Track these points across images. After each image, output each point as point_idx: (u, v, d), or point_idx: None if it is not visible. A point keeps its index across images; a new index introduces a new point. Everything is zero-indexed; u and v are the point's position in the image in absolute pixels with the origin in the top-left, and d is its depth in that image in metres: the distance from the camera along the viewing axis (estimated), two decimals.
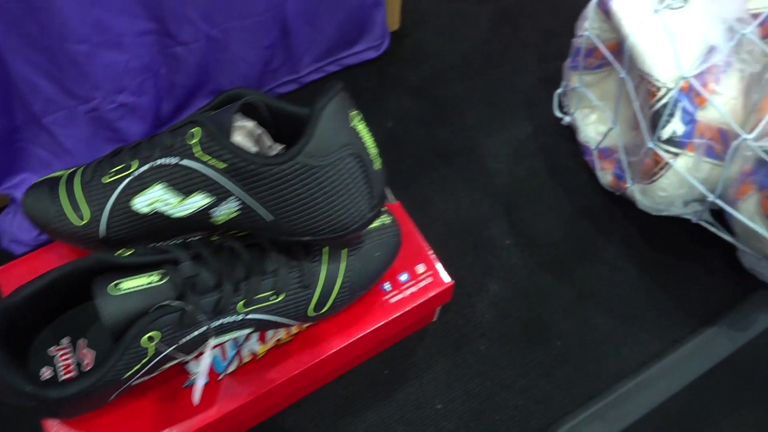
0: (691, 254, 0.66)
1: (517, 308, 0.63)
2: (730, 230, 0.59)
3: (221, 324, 0.42)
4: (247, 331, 0.44)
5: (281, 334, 0.49)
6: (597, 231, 0.68)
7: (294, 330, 0.50)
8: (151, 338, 0.39)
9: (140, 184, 0.42)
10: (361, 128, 0.40)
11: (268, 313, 0.44)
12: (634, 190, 0.61)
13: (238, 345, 0.49)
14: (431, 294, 0.52)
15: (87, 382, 0.39)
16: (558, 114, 0.73)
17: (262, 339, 0.49)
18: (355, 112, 0.40)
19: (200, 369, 0.42)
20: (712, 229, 0.60)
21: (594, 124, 0.69)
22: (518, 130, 0.74)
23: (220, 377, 0.48)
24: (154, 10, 0.56)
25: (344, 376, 0.58)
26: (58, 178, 0.48)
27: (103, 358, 0.39)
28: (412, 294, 0.52)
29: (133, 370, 0.40)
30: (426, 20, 0.83)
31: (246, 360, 0.48)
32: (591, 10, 0.61)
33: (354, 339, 0.50)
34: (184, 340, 0.40)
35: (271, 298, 0.43)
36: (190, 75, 0.64)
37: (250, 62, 0.67)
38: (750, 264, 0.61)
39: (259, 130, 0.44)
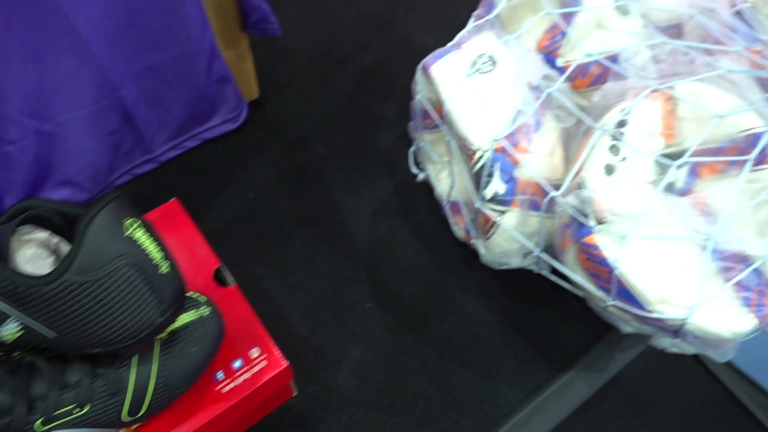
0: (548, 301, 0.67)
1: (379, 372, 0.63)
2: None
3: None
4: None
5: None
6: (457, 285, 0.68)
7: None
8: None
9: None
10: (140, 235, 0.40)
11: (74, 427, 0.43)
12: (477, 244, 0.63)
13: None
14: (266, 378, 0.51)
15: None
16: (414, 170, 0.74)
17: None
18: (131, 220, 0.40)
19: None
20: (553, 278, 0.61)
21: (445, 179, 0.70)
22: (379, 188, 0.75)
23: None
24: None
25: None
26: None
27: None
28: (245, 381, 0.51)
29: None
30: (288, 85, 0.84)
31: None
32: (418, 73, 0.63)
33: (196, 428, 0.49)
34: None
35: (74, 412, 0.42)
36: (29, 170, 0.63)
37: (95, 150, 0.67)
38: (596, 308, 0.62)
39: (56, 239, 0.44)
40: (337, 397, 0.61)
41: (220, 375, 0.51)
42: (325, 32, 0.88)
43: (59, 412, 0.42)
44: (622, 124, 0.52)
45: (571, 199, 0.51)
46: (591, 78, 0.63)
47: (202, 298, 0.50)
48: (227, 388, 0.51)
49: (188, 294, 0.49)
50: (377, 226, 0.72)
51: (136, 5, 0.58)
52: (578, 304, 0.66)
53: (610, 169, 0.52)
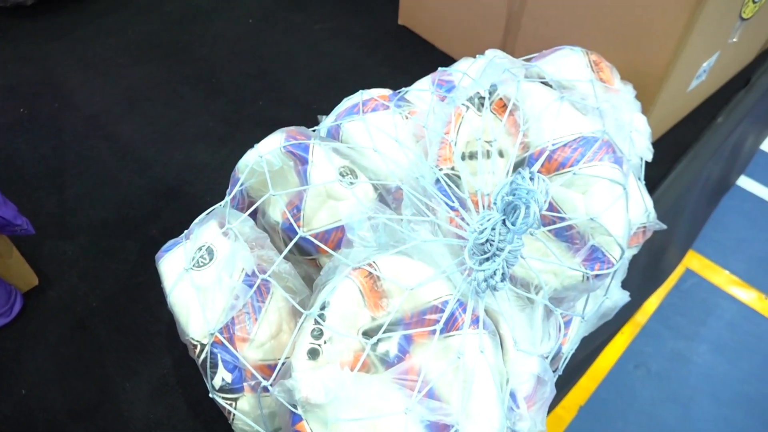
0: None
1: None
2: None
3: None
4: None
5: None
6: None
7: None
8: None
9: None
10: None
11: None
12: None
13: None
14: None
15: None
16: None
17: None
18: None
19: None
20: None
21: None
22: (158, 366, 0.75)
23: None
24: None
25: None
26: None
27: None
28: None
29: None
30: (73, 265, 0.83)
31: None
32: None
33: None
34: None
35: None
36: None
37: None
38: None
39: None
40: None
41: None
42: (114, 206, 0.90)
43: None
44: (323, 306, 0.55)
45: (279, 388, 0.52)
46: (333, 243, 0.67)
47: None
48: None
49: None
50: (155, 407, 0.71)
51: None
52: None
53: (314, 353, 0.54)
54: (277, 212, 0.69)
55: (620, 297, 0.70)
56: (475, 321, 0.54)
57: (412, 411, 0.51)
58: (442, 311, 0.54)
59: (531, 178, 0.48)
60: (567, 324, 0.69)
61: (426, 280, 0.55)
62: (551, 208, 0.62)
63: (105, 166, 0.95)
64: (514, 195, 0.49)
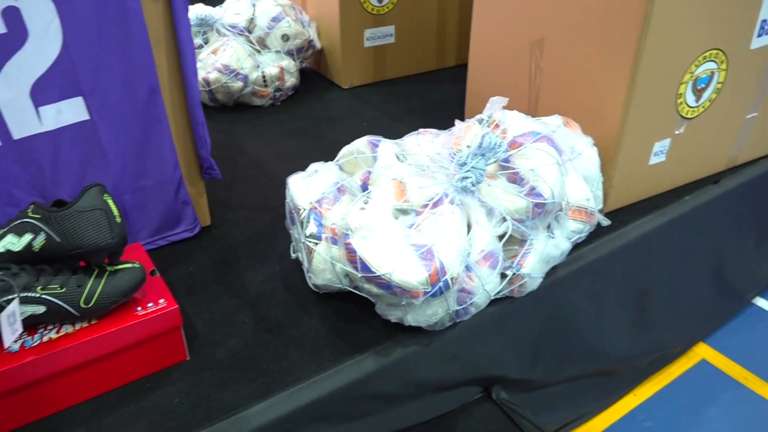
0: (360, 320, 1.06)
1: (244, 352, 1.00)
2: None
3: (26, 295, 0.81)
4: (42, 307, 0.83)
5: (69, 329, 0.87)
6: (305, 312, 1.08)
7: (77, 327, 0.87)
8: None
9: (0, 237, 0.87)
10: (110, 202, 0.87)
11: (55, 297, 0.83)
12: (311, 276, 1.05)
13: (42, 336, 0.86)
14: (164, 312, 0.91)
15: None
16: (292, 256, 1.19)
17: (58, 332, 0.87)
18: (107, 195, 0.88)
19: (2, 316, 0.79)
20: (355, 291, 1.02)
21: (302, 255, 1.15)
22: (270, 269, 1.19)
23: (27, 347, 0.84)
24: (41, 191, 1.07)
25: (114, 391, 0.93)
26: None
27: None
28: (152, 311, 0.91)
29: None
30: (229, 221, 1.34)
31: (45, 340, 0.85)
32: (287, 187, 1.13)
33: (110, 331, 0.87)
34: (2, 299, 0.80)
35: (57, 289, 0.84)
36: None
37: None
38: (380, 311, 1.01)
39: None
40: (212, 362, 0.98)
41: (138, 308, 0.91)
42: (260, 197, 1.43)
43: (50, 286, 0.83)
44: (370, 192, 1.00)
45: (341, 222, 0.97)
46: None
47: (138, 263, 0.93)
48: (141, 313, 0.90)
49: (131, 261, 0.93)
50: (264, 284, 1.15)
51: (140, 146, 1.12)
52: (380, 322, 1.05)
53: (362, 209, 0.98)
54: (357, 177, 1.17)
55: (566, 246, 1.08)
56: (452, 202, 0.97)
57: (408, 237, 0.93)
58: (433, 198, 0.98)
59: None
60: (525, 256, 1.06)
61: (428, 185, 0.99)
62: (509, 168, 1.05)
63: (257, 180, 1.50)
64: (483, 139, 0.95)
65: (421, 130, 1.26)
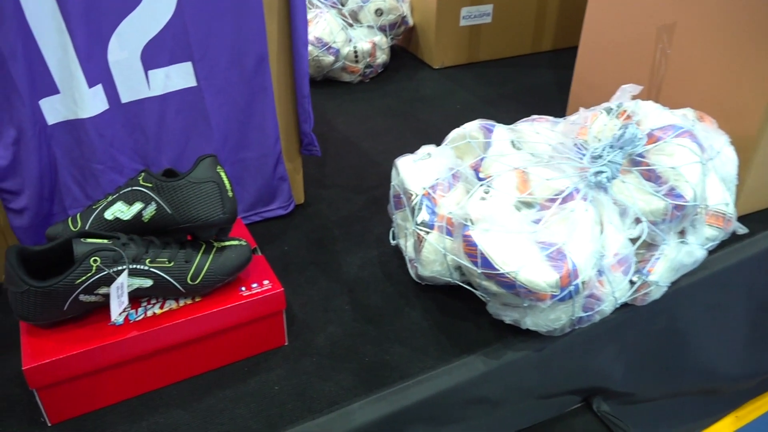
0: (466, 317, 0.99)
1: (344, 341, 0.94)
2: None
3: (135, 267, 0.77)
4: (149, 281, 0.79)
5: (173, 305, 0.83)
6: (406, 303, 1.02)
7: (181, 303, 0.83)
8: (95, 260, 0.75)
9: (109, 204, 0.83)
10: (223, 175, 0.82)
11: (162, 271, 0.79)
12: (418, 266, 0.98)
13: (146, 310, 0.82)
14: (269, 294, 0.86)
15: (57, 280, 0.74)
16: (392, 242, 1.12)
17: (161, 307, 0.83)
18: (220, 167, 0.83)
19: (112, 287, 0.76)
20: (465, 286, 0.94)
21: (406, 243, 1.08)
22: (367, 253, 1.13)
23: (132, 321, 0.80)
24: (143, 158, 1.03)
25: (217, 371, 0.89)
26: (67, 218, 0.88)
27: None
28: (257, 293, 0.86)
29: (81, 279, 0.75)
30: (322, 200, 1.29)
31: (149, 315, 0.82)
32: (393, 170, 1.06)
33: (214, 311, 0.83)
34: (112, 269, 0.76)
35: (165, 263, 0.80)
36: None
37: None
38: (493, 311, 0.94)
39: None
40: (313, 349, 0.93)
41: (243, 288, 0.87)
42: (353, 176, 1.37)
43: (158, 259, 0.79)
44: (490, 181, 0.92)
45: (459, 212, 0.89)
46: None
47: (244, 241, 0.88)
48: (245, 294, 0.86)
49: (237, 238, 0.88)
50: (362, 271, 1.09)
51: (244, 117, 1.07)
52: (487, 321, 0.97)
53: (482, 199, 0.90)
54: (467, 163, 1.09)
55: (700, 255, 0.98)
56: (584, 198, 0.88)
57: (536, 233, 0.84)
58: (563, 192, 0.89)
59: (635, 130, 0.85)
60: (655, 262, 0.97)
61: (555, 177, 0.91)
62: (644, 164, 0.95)
63: (348, 158, 1.44)
64: (626, 130, 0.85)
65: (534, 116, 1.17)
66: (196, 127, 1.05)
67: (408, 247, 1.05)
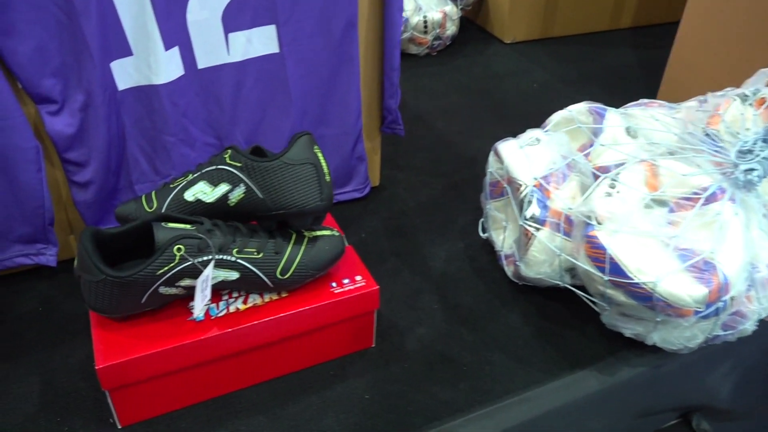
0: (571, 325, 0.88)
1: (436, 344, 0.84)
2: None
3: (222, 258, 0.68)
4: (235, 274, 0.69)
5: (257, 300, 0.74)
6: (502, 305, 0.91)
7: (266, 299, 0.74)
8: (179, 249, 0.65)
9: (190, 184, 0.73)
10: (320, 155, 0.72)
11: (250, 263, 0.70)
12: (521, 266, 0.87)
13: (228, 305, 0.73)
14: (363, 292, 0.76)
15: (136, 269, 0.64)
16: (482, 234, 1.02)
17: (245, 302, 0.73)
18: (317, 147, 0.72)
19: (199, 280, 0.66)
20: (577, 292, 0.83)
21: (502, 237, 0.97)
22: (453, 245, 1.03)
23: (213, 317, 0.71)
24: (216, 131, 0.93)
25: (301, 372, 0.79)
26: (140, 196, 0.78)
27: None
28: (350, 290, 0.76)
29: (163, 270, 0.65)
30: (398, 183, 1.18)
31: (231, 311, 0.72)
32: (490, 155, 0.95)
33: (304, 309, 0.73)
34: (197, 260, 0.66)
35: (254, 254, 0.70)
36: None
37: None
38: (609, 321, 0.83)
39: None
40: (402, 353, 0.83)
41: (333, 284, 0.77)
42: (427, 157, 1.25)
43: (246, 249, 0.69)
44: (617, 174, 0.80)
45: (582, 208, 0.78)
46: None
47: (336, 231, 0.78)
48: (337, 291, 0.76)
49: (329, 227, 0.78)
50: (449, 266, 0.99)
51: (326, 89, 0.96)
52: (595, 329, 0.86)
53: (608, 195, 0.79)
54: (574, 147, 0.97)
55: None
56: (732, 200, 0.76)
57: (676, 238, 0.73)
58: (706, 190, 0.77)
59: None
60: None
61: (694, 173, 0.79)
62: None
63: (423, 138, 1.32)
64: None
65: (644, 100, 1.04)
66: (274, 99, 0.94)
67: (505, 242, 0.94)
